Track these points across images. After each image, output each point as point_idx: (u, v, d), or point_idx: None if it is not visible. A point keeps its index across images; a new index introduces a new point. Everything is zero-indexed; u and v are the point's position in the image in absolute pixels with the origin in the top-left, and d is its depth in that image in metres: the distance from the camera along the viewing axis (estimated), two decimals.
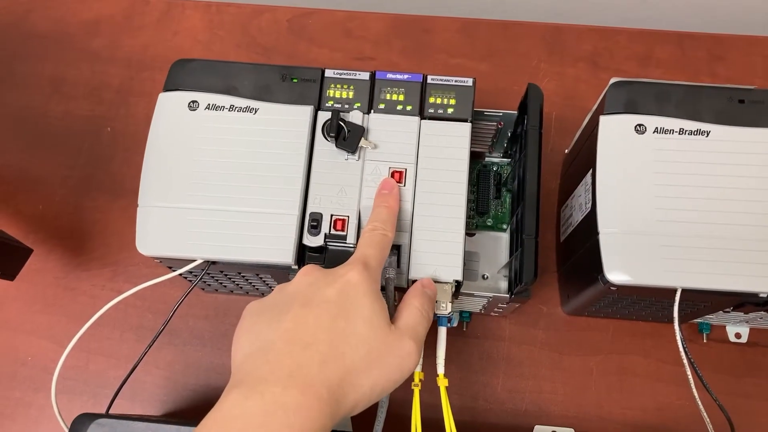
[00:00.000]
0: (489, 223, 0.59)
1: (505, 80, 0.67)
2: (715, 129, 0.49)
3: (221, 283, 0.57)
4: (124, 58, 0.70)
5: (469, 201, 0.55)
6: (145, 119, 0.49)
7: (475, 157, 0.62)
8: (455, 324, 0.59)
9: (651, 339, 0.60)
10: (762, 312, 0.50)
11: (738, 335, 0.60)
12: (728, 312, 0.53)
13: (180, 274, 0.48)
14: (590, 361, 0.60)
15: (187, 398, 0.59)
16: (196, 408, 0.59)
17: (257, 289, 0.58)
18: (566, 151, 0.62)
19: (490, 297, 0.53)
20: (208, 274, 0.50)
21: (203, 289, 0.61)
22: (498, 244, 0.58)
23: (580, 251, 0.52)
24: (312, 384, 0.37)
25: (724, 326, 0.60)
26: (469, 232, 0.60)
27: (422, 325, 0.42)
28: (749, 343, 0.60)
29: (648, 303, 0.53)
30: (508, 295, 0.51)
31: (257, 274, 0.52)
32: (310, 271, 0.42)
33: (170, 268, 0.50)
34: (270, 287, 0.56)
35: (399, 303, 0.43)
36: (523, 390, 0.59)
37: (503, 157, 0.61)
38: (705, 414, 0.47)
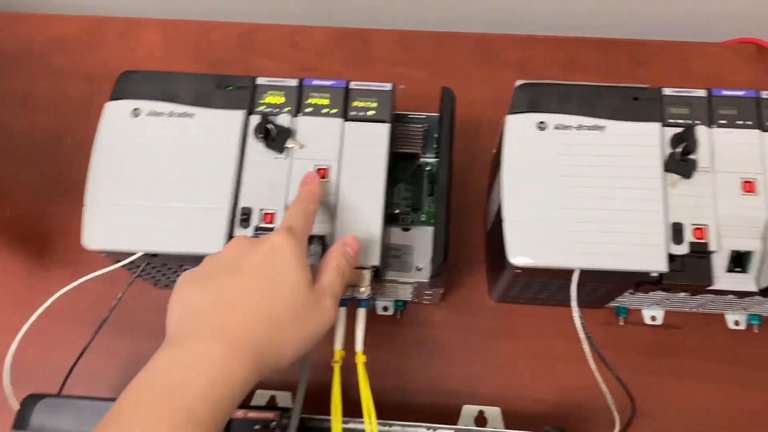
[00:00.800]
0: (423, 219, 0.64)
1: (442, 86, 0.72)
2: (611, 124, 0.53)
3: (168, 277, 0.61)
4: (86, 72, 0.75)
5: (404, 198, 0.60)
6: None
7: (410, 158, 0.67)
8: (371, 306, 0.62)
9: (570, 324, 0.64)
10: (660, 291, 0.55)
11: (653, 318, 0.65)
12: (633, 294, 0.58)
13: (125, 267, 0.53)
14: (516, 345, 0.64)
15: None
16: None
17: None
18: (494, 151, 0.67)
19: (414, 282, 0.57)
20: (151, 266, 0.55)
21: (156, 284, 0.65)
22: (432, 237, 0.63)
23: (496, 240, 0.57)
24: (237, 340, 0.40)
25: (640, 309, 0.65)
26: (405, 227, 0.65)
27: (338, 284, 0.46)
28: (664, 325, 0.64)
29: (558, 286, 0.57)
30: (427, 280, 0.56)
31: None
32: (238, 240, 0.46)
33: (117, 261, 0.54)
34: None
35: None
36: (454, 373, 0.63)
37: (435, 157, 0.66)
38: (605, 387, 0.52)
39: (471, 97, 0.72)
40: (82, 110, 0.74)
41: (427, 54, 0.74)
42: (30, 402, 0.49)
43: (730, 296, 0.56)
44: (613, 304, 0.64)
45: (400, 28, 0.75)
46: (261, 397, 0.62)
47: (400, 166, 0.66)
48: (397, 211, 0.65)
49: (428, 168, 0.65)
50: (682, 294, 0.56)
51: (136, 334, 0.65)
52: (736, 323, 0.64)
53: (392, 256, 0.58)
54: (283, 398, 0.61)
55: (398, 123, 0.61)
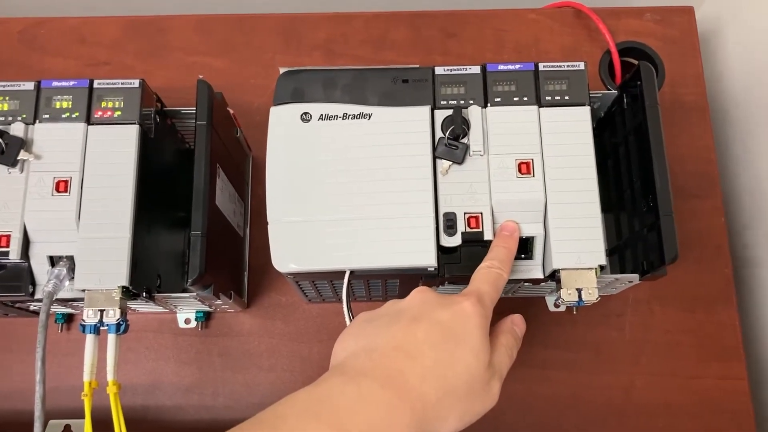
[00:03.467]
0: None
1: (242, 75, 0.67)
2: (377, 111, 0.49)
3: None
4: None
5: None
6: None
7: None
8: (124, 331, 0.50)
9: None
10: (448, 284, 0.52)
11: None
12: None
13: None
14: (330, 347, 0.60)
15: None
16: None
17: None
18: None
19: (189, 296, 0.52)
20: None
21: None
22: None
23: None
24: (409, 392, 0.38)
25: None
26: None
27: (506, 365, 0.43)
28: None
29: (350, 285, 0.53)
30: (196, 292, 0.51)
31: None
32: (424, 290, 0.43)
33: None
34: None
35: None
36: (262, 382, 0.59)
37: None
38: None
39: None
40: None
41: (227, 40, 0.68)
42: None
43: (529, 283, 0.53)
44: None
45: (198, 12, 0.69)
46: (55, 427, 0.57)
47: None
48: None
49: None
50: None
51: None
52: (556, 305, 0.62)
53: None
54: (78, 427, 0.57)
55: (175, 119, 0.56)
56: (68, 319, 0.61)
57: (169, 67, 0.67)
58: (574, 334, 0.61)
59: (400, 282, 0.52)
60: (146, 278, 0.49)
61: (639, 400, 0.60)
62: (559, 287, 0.47)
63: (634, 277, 0.51)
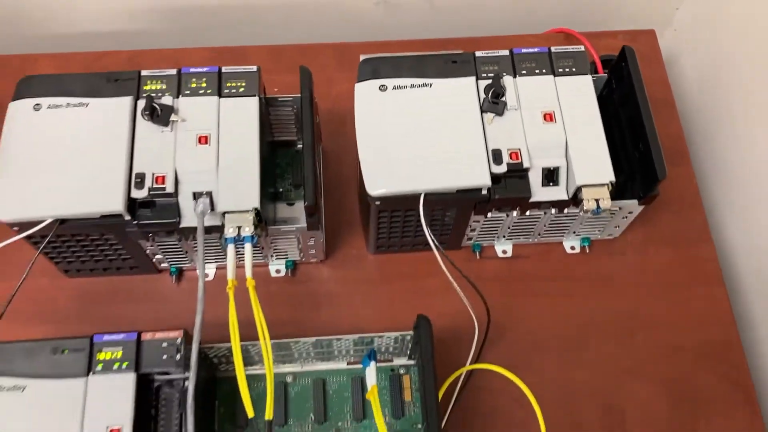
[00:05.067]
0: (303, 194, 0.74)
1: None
2: (436, 81, 0.66)
3: (78, 257, 0.68)
4: None
5: (286, 179, 0.72)
6: None
7: (287, 146, 0.78)
8: (255, 242, 0.63)
9: (437, 264, 0.75)
10: (496, 212, 0.67)
11: (504, 251, 0.77)
12: (477, 221, 0.70)
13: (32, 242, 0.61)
14: (392, 288, 0.75)
15: None
16: None
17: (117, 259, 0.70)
18: None
19: (296, 229, 0.67)
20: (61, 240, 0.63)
21: (66, 272, 0.72)
22: None
23: (363, 197, 0.68)
24: None
25: (493, 246, 0.77)
26: (289, 202, 0.75)
27: None
28: (513, 256, 0.76)
29: (416, 222, 0.68)
30: (305, 225, 0.66)
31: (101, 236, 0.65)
32: None
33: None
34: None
35: None
36: (342, 315, 0.73)
37: None
38: (465, 299, 0.63)
39: (335, 94, 0.84)
40: None
41: (294, 62, 0.86)
42: None
43: (564, 219, 0.69)
44: (469, 242, 0.76)
45: (270, 43, 0.88)
46: None
47: (281, 153, 0.77)
48: (281, 189, 0.75)
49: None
50: (515, 213, 0.68)
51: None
52: (572, 248, 0.77)
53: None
54: None
55: (271, 107, 0.72)
56: (179, 273, 0.74)
57: None
58: (587, 269, 0.76)
59: (457, 211, 0.67)
60: (264, 211, 0.64)
61: (643, 318, 0.74)
62: (581, 202, 0.63)
63: (634, 203, 0.67)
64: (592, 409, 0.70)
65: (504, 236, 0.75)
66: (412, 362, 0.69)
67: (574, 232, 0.75)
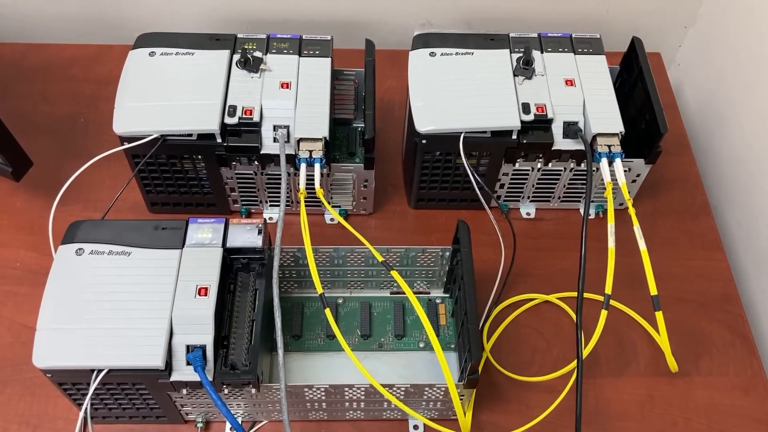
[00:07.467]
0: (357, 161, 0.87)
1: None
2: (477, 51, 0.81)
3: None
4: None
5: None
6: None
7: (345, 124, 0.91)
8: (323, 164, 0.74)
9: (472, 221, 0.86)
10: (522, 161, 0.80)
11: (528, 214, 0.88)
12: (506, 174, 0.82)
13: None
14: (432, 238, 0.86)
15: None
16: None
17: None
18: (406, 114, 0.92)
19: (353, 168, 0.79)
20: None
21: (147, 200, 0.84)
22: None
23: (406, 140, 0.81)
24: None
25: (519, 209, 0.88)
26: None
27: None
28: (536, 218, 0.88)
29: (456, 169, 0.80)
30: (362, 164, 0.78)
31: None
32: None
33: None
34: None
35: None
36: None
37: (363, 123, 0.90)
38: (496, 224, 0.74)
39: (385, 87, 0.99)
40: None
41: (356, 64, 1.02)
42: (76, 224, 0.67)
43: (581, 178, 0.81)
44: (499, 203, 0.87)
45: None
46: None
47: (339, 131, 0.91)
48: (337, 155, 0.88)
49: (359, 129, 0.89)
50: (539, 165, 0.80)
51: None
52: (588, 215, 0.88)
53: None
54: None
55: (336, 80, 0.87)
56: (248, 214, 0.87)
57: None
58: (601, 232, 0.87)
59: (490, 159, 0.79)
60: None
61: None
62: (596, 148, 0.75)
63: (641, 162, 0.79)
64: (608, 343, 0.79)
65: (528, 197, 0.87)
66: (447, 295, 0.80)
67: (591, 200, 0.87)
